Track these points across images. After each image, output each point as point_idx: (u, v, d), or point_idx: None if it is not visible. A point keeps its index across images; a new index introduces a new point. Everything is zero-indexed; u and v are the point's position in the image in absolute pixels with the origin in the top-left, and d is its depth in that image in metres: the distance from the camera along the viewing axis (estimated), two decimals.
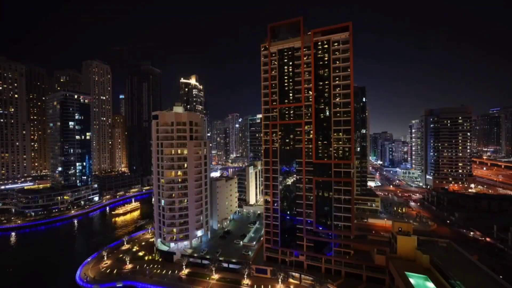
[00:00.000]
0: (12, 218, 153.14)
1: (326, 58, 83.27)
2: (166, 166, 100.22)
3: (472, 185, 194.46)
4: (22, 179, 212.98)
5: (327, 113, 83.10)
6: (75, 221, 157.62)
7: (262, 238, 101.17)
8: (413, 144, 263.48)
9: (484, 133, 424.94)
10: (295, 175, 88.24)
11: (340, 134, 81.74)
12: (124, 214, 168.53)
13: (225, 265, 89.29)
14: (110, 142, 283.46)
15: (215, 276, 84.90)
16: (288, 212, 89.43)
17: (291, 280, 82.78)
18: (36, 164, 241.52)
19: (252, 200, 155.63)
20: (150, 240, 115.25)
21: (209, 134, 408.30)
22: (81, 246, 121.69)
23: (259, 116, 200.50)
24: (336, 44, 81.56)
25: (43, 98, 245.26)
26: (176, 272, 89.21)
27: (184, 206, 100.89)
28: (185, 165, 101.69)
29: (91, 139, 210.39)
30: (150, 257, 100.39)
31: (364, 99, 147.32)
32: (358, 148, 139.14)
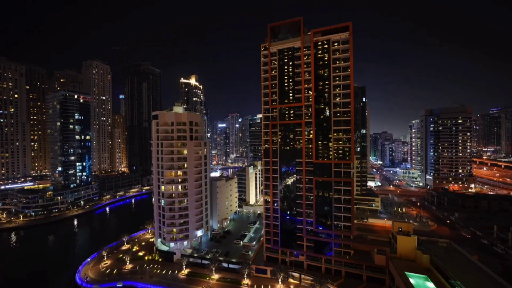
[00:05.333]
0: (12, 218, 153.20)
1: (326, 58, 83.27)
2: (166, 166, 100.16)
3: (472, 185, 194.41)
4: (22, 179, 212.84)
5: (327, 113, 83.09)
6: (75, 221, 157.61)
7: (262, 238, 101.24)
8: (413, 144, 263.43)
9: (484, 133, 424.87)
10: (295, 175, 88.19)
11: (340, 134, 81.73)
12: None
13: (225, 265, 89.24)
14: (110, 142, 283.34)
15: (215, 276, 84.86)
16: (288, 212, 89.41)
17: (291, 280, 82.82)
18: (36, 164, 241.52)
19: (252, 200, 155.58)
20: (150, 240, 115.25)
21: (209, 134, 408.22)
22: (81, 246, 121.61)
23: (259, 116, 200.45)
24: (336, 44, 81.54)
25: (43, 98, 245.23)
26: (176, 272, 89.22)
27: (184, 206, 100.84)
28: (185, 165, 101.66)
29: (91, 139, 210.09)
30: (150, 257, 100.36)
31: (364, 99, 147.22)
32: (358, 148, 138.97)
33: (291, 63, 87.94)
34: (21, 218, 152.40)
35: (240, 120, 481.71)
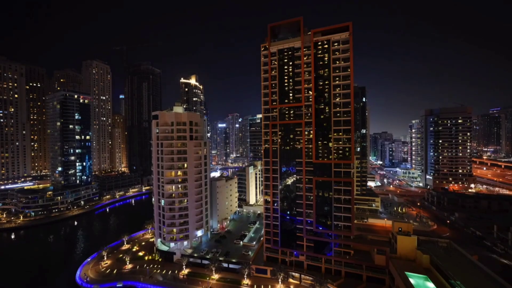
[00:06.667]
0: (12, 218, 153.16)
1: (326, 58, 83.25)
2: (166, 166, 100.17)
3: (472, 185, 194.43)
4: (22, 179, 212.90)
5: (327, 113, 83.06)
6: (75, 221, 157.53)
7: (262, 238, 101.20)
8: (413, 144, 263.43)
9: (484, 133, 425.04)
10: (295, 175, 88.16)
11: (340, 134, 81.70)
12: None
13: (225, 265, 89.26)
14: (110, 142, 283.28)
15: (215, 276, 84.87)
16: (288, 212, 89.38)
17: (291, 280, 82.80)
18: (36, 164, 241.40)
19: (252, 200, 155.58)
20: (150, 240, 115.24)
21: (209, 134, 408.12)
22: (81, 246, 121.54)
23: (259, 116, 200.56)
24: (336, 44, 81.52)
25: (43, 98, 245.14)
26: (176, 272, 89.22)
27: (184, 206, 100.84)
28: (185, 165, 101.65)
29: (91, 139, 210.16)
30: (150, 257, 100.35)
31: (364, 99, 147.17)
32: (358, 148, 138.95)
33: (291, 63, 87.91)
34: (21, 218, 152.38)
35: (240, 120, 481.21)
